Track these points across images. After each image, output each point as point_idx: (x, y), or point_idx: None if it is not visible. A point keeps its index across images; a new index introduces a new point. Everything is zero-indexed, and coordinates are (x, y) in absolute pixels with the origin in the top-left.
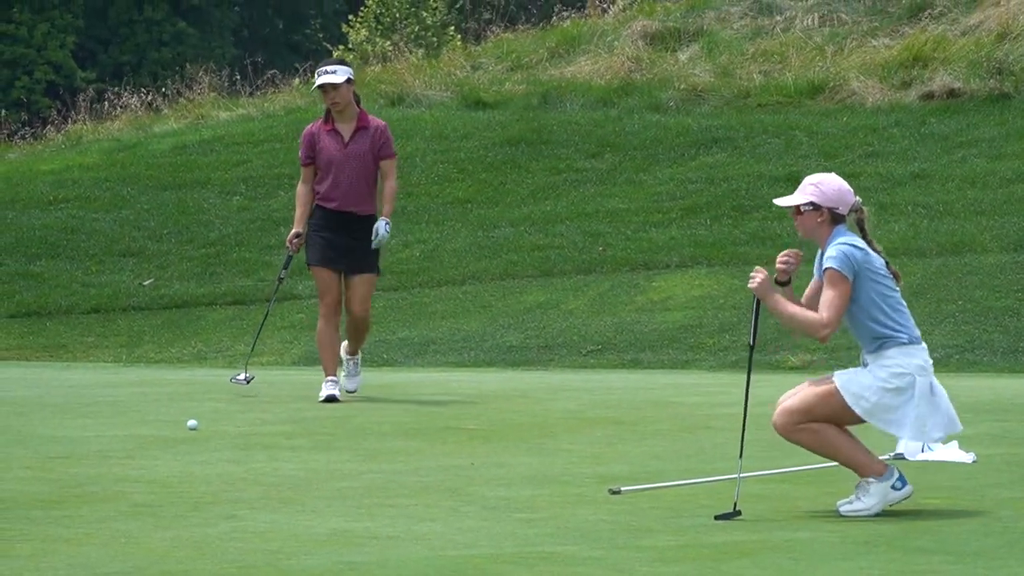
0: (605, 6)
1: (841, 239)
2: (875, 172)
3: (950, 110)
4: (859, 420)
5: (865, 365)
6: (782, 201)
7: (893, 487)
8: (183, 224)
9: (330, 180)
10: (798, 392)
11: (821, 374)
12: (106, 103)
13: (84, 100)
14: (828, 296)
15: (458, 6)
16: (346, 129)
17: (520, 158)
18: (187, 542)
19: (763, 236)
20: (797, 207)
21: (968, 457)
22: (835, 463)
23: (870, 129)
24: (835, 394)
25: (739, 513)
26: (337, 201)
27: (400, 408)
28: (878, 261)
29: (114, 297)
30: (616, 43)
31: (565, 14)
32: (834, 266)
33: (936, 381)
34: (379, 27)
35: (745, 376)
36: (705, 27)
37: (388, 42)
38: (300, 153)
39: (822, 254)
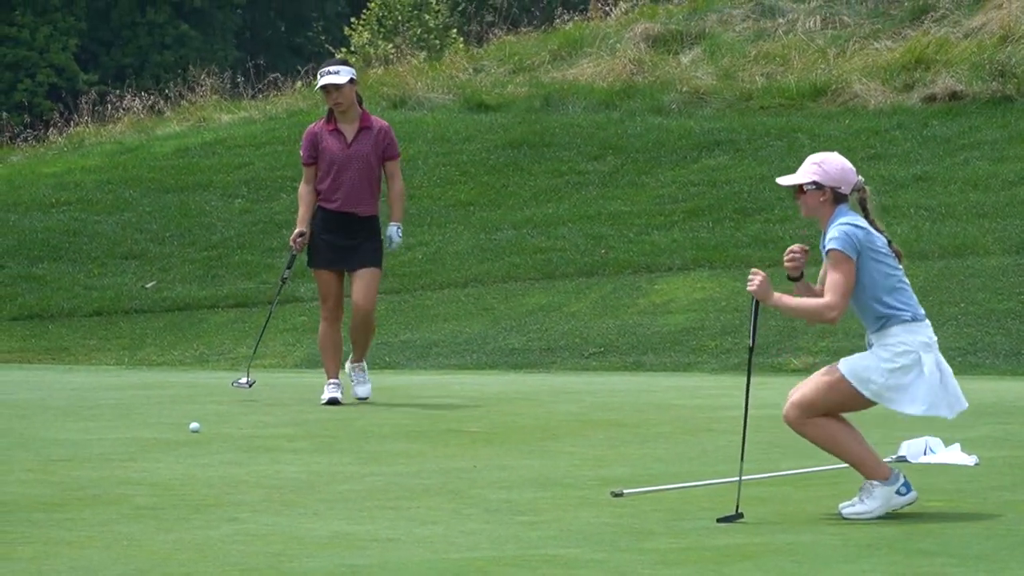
0: (607, 9)
1: (842, 219)
2: (877, 174)
3: (952, 113)
4: (870, 404)
5: (870, 346)
6: (785, 180)
7: (898, 492)
8: (185, 227)
9: (332, 180)
10: (807, 384)
11: None
12: (108, 106)
13: (86, 103)
14: (832, 278)
15: (460, 9)
16: (349, 129)
17: (522, 161)
18: (189, 545)
19: (765, 239)
20: (800, 186)
21: (970, 460)
22: (837, 466)
23: (872, 132)
24: (842, 381)
25: (741, 516)
26: (338, 201)
27: (402, 411)
28: (880, 240)
29: (116, 300)
30: (618, 46)
31: (567, 16)
32: (837, 247)
33: (942, 358)
34: (381, 30)
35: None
36: (707, 30)
37: (390, 44)
38: (302, 153)
39: (825, 234)
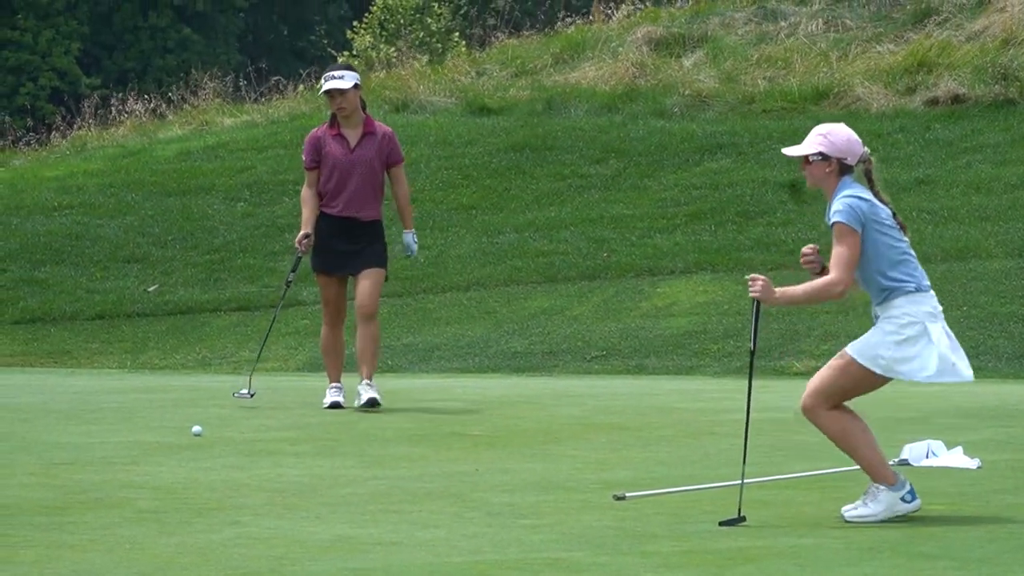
0: (610, 12)
1: (846, 192)
2: (879, 178)
3: (955, 116)
4: (884, 381)
5: (875, 318)
6: (791, 151)
7: (903, 499)
8: (187, 230)
9: (334, 185)
10: (821, 371)
11: None
12: (111, 109)
13: (89, 106)
14: (836, 252)
15: (462, 12)
16: (352, 134)
17: (524, 164)
18: (191, 548)
19: (767, 242)
20: (806, 157)
21: (973, 463)
22: (839, 469)
23: (875, 135)
24: (852, 363)
25: (743, 519)
26: (340, 206)
27: (404, 414)
28: (884, 212)
29: (118, 303)
30: (620, 49)
31: (569, 20)
32: (841, 220)
33: (947, 327)
34: (383, 33)
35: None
36: (709, 33)
37: (392, 48)
38: (304, 157)
39: (829, 206)
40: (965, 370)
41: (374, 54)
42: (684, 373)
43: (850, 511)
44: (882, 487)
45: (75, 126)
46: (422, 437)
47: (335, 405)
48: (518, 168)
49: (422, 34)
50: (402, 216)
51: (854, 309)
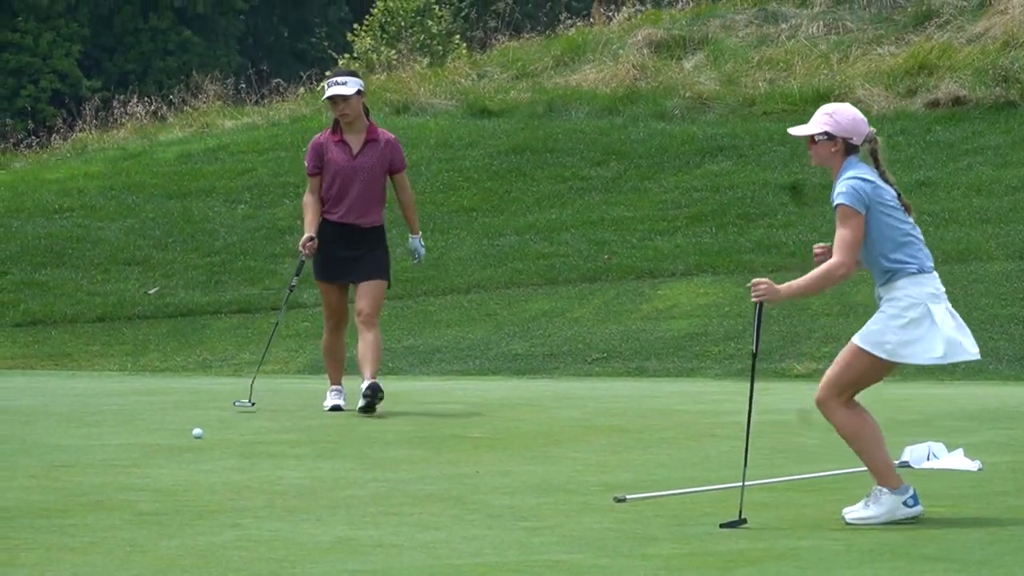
0: (610, 14)
1: (850, 173)
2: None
3: (955, 118)
4: (892, 367)
5: (879, 299)
6: (797, 130)
7: (905, 504)
8: (188, 233)
9: (336, 191)
10: (833, 363)
11: None
12: (112, 112)
13: (89, 109)
14: (839, 235)
15: (463, 15)
16: (355, 141)
17: (525, 166)
18: (192, 551)
19: (768, 244)
20: (811, 136)
21: (974, 465)
22: (839, 471)
23: None
24: (859, 351)
25: (744, 521)
26: (341, 212)
27: (405, 417)
28: (889, 193)
29: (119, 306)
30: (621, 51)
31: (570, 22)
32: (844, 202)
33: (951, 307)
34: (384, 36)
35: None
36: (710, 35)
37: (393, 51)
38: (307, 163)
39: (835, 188)
40: (971, 347)
41: (375, 56)
42: (685, 375)
43: (851, 513)
44: (885, 490)
45: (76, 128)
46: (423, 439)
47: (336, 408)
48: (519, 170)
49: (423, 36)
50: (408, 221)
51: (855, 311)
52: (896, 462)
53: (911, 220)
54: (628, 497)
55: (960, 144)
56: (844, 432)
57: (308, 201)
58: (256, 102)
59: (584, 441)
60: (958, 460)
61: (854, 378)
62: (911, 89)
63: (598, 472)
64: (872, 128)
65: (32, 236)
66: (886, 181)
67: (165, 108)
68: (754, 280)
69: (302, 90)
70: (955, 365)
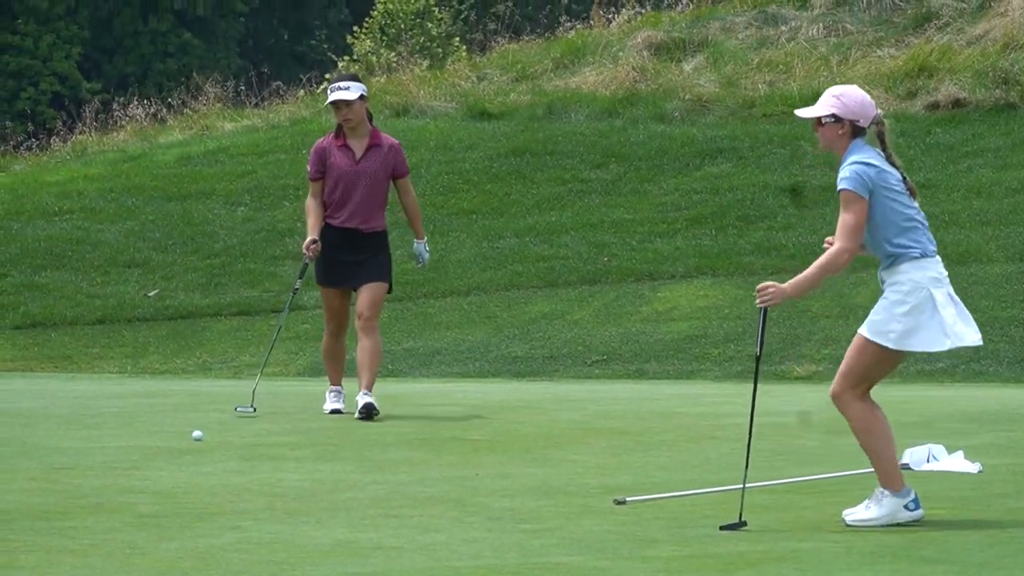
0: (610, 17)
1: (854, 157)
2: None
3: (955, 120)
4: (901, 356)
5: (882, 283)
6: (804, 112)
7: (906, 507)
8: (188, 235)
9: (339, 196)
10: (845, 357)
11: (828, 383)
12: (112, 114)
13: (89, 111)
14: (842, 220)
15: (463, 17)
16: (358, 145)
17: (525, 169)
18: (192, 553)
19: (768, 246)
20: (818, 119)
21: (974, 467)
22: (839, 473)
23: None
24: (866, 342)
25: (744, 524)
26: (342, 217)
27: (405, 419)
28: (894, 177)
29: (119, 308)
30: (621, 54)
31: (570, 25)
32: (848, 187)
33: (953, 291)
34: (384, 38)
35: (751, 386)
36: (710, 37)
37: (393, 53)
38: (309, 168)
39: (840, 169)
40: (971, 337)
41: (375, 59)
42: (685, 377)
43: (852, 515)
44: (887, 492)
45: (76, 131)
46: (422, 442)
47: (336, 412)
48: (518, 173)
49: (423, 39)
50: (413, 226)
51: (854, 312)
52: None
53: (916, 204)
54: (628, 499)
55: (960, 146)
56: (856, 427)
57: (311, 205)
58: (256, 104)
59: (584, 443)
60: (958, 462)
61: (865, 370)
62: (911, 91)
63: (598, 474)
64: (879, 111)
65: (32, 238)
66: (892, 164)
67: (165, 110)
68: (760, 286)
69: (302, 92)
70: (955, 367)
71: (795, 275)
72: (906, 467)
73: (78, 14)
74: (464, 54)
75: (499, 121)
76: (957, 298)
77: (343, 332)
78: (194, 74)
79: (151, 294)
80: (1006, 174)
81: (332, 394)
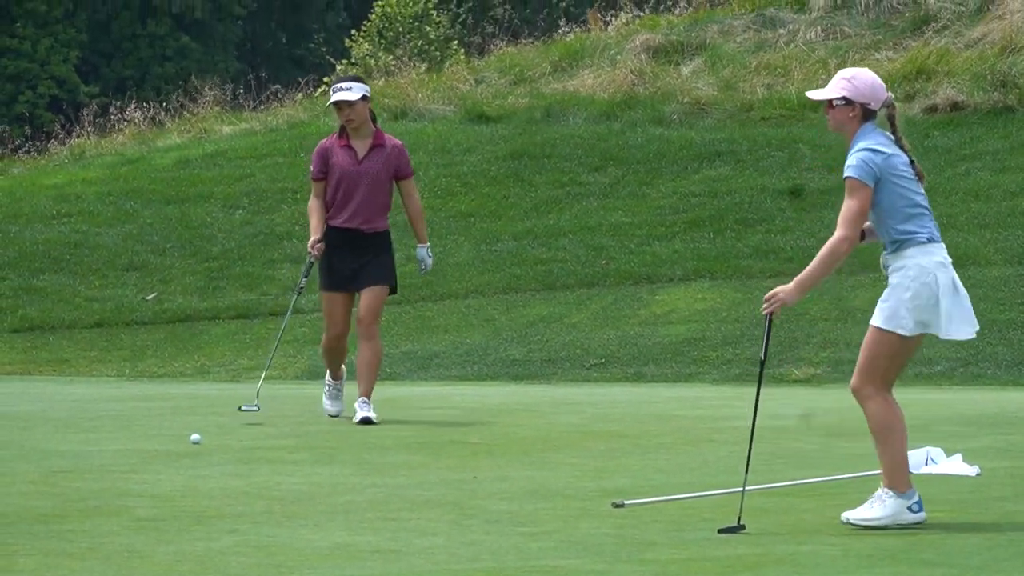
0: (608, 20)
1: (862, 144)
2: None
3: (954, 123)
4: (916, 341)
5: (885, 267)
6: (815, 94)
7: (909, 508)
8: (186, 238)
9: (341, 196)
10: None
11: (827, 386)
12: (109, 118)
13: (87, 114)
14: (845, 207)
15: (461, 20)
16: (361, 146)
17: (523, 172)
18: (190, 556)
19: (766, 249)
20: (829, 101)
21: (972, 470)
22: (839, 476)
23: None
24: (880, 332)
25: (743, 527)
26: (345, 217)
27: (403, 422)
28: (902, 161)
29: (117, 311)
30: (619, 57)
31: (568, 28)
32: (853, 175)
33: (957, 278)
34: (382, 41)
35: (754, 389)
36: (708, 40)
37: (391, 56)
38: (312, 167)
39: (848, 153)
40: (966, 331)
41: (373, 62)
42: (683, 380)
43: (855, 513)
44: (891, 493)
45: (74, 134)
46: (421, 445)
47: (336, 415)
48: (516, 176)
49: (421, 42)
50: (415, 230)
51: (853, 316)
52: None
53: (922, 190)
54: (626, 502)
55: (958, 149)
56: (874, 424)
57: (313, 206)
58: (254, 108)
59: (582, 446)
60: (956, 465)
61: (881, 361)
62: (909, 94)
63: (596, 477)
64: (890, 94)
65: (30, 242)
66: (901, 147)
67: (163, 114)
68: (766, 296)
69: (300, 96)
70: (953, 369)
71: (794, 277)
72: None
73: (76, 17)
74: (462, 57)
75: (497, 124)
76: (960, 284)
77: (344, 335)
78: (192, 77)
79: (149, 297)
80: (1004, 177)
81: (331, 390)
